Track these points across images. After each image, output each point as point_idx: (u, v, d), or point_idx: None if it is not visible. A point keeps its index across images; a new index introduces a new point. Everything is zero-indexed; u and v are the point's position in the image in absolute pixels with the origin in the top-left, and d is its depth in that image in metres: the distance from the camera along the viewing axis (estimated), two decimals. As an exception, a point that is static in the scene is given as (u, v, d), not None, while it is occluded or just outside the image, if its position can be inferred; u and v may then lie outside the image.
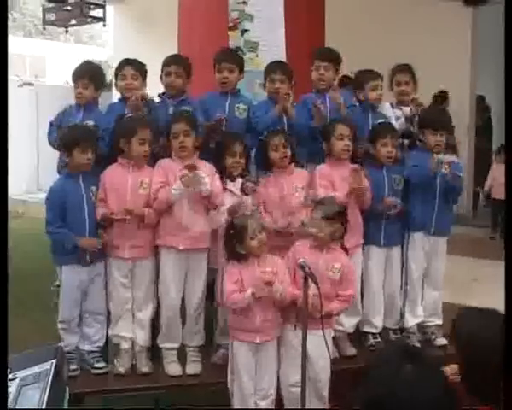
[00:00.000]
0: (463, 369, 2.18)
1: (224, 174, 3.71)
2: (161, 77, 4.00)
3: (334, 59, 4.13)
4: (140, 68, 3.98)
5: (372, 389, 1.60)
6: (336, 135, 3.80)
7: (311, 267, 2.97)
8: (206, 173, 3.54)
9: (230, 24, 4.84)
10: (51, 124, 3.98)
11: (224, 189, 3.66)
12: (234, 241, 3.34)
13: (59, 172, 3.85)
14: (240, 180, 3.71)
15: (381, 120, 4.07)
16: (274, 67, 4.07)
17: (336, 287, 3.40)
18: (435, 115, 4.04)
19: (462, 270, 5.44)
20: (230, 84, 4.02)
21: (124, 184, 3.58)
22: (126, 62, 3.99)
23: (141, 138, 3.57)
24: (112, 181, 3.60)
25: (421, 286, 4.08)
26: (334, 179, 3.80)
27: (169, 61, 3.97)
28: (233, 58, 4.09)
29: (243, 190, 3.68)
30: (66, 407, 2.71)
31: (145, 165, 3.68)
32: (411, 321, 4.03)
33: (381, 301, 4.01)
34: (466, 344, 2.15)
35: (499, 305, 2.19)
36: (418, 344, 3.92)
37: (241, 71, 4.09)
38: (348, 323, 3.86)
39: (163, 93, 4.01)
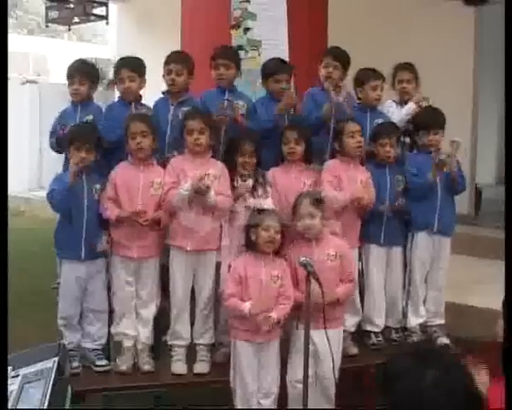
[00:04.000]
0: None
1: (235, 173, 3.66)
2: (164, 75, 3.96)
3: (344, 60, 4.15)
4: (136, 66, 3.92)
5: (398, 401, 1.55)
6: (347, 133, 3.82)
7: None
8: (218, 173, 3.55)
9: (233, 22, 4.83)
10: (51, 132, 3.97)
11: (233, 188, 3.63)
12: (249, 229, 3.37)
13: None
14: (250, 181, 3.64)
15: (380, 120, 4.08)
16: (276, 66, 4.08)
17: (338, 272, 3.44)
18: (427, 116, 4.04)
19: (463, 269, 5.43)
20: (227, 81, 4.02)
21: (135, 184, 3.56)
22: (122, 64, 3.93)
23: (132, 132, 3.56)
24: (123, 180, 3.58)
25: (425, 286, 4.08)
26: (342, 177, 3.81)
27: (169, 59, 3.95)
28: (229, 55, 4.08)
29: (252, 192, 3.62)
30: (67, 404, 2.72)
31: (155, 164, 3.66)
32: (414, 321, 4.03)
33: (382, 301, 4.01)
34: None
35: (500, 305, 2.20)
36: (419, 343, 3.93)
37: (238, 68, 4.09)
38: (349, 322, 3.85)
39: (166, 91, 3.98)
